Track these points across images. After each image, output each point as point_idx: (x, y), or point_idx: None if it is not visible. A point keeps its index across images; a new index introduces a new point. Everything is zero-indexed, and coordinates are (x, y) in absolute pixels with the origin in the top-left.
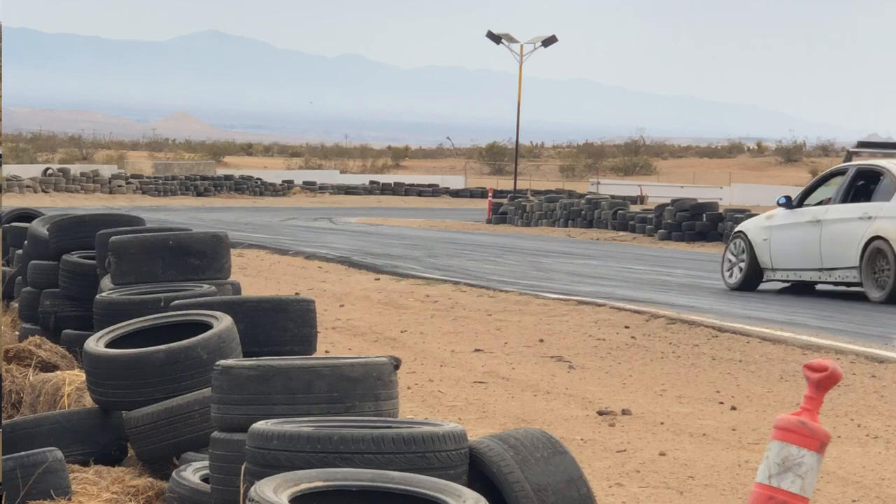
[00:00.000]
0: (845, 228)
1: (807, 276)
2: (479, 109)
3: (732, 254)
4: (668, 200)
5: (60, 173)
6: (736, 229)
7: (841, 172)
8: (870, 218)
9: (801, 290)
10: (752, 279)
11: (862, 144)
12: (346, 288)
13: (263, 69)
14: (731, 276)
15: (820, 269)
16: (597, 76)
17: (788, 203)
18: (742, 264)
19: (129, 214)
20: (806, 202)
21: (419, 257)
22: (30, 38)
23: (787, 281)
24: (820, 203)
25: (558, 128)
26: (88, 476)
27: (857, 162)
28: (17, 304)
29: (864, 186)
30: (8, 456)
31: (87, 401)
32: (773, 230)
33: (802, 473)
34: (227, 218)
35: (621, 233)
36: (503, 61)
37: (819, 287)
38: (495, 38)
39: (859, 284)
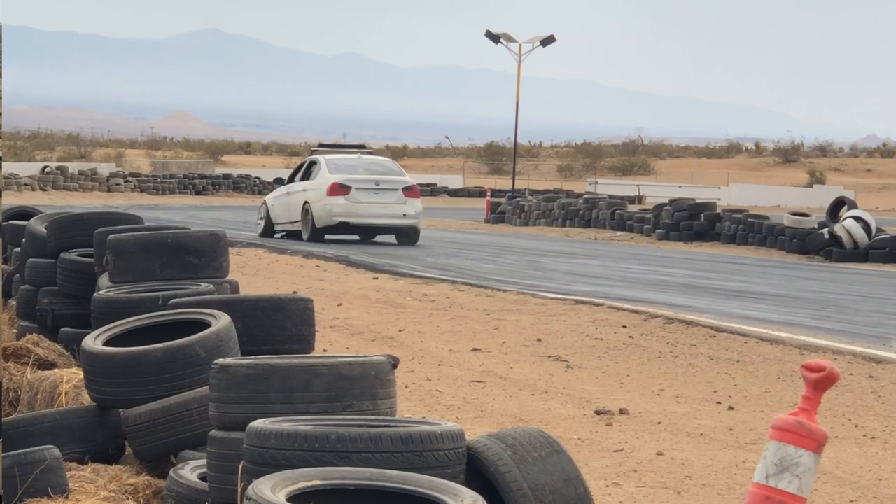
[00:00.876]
0: (298, 197)
1: (287, 227)
2: (478, 109)
3: (261, 213)
4: (667, 200)
5: (59, 171)
6: (263, 200)
7: (305, 163)
8: (306, 190)
9: (293, 235)
10: (268, 230)
11: (322, 146)
12: (344, 287)
13: (262, 68)
14: (259, 227)
15: (291, 222)
16: (596, 76)
17: (283, 182)
18: (263, 221)
19: (128, 213)
20: (294, 181)
21: (417, 256)
22: (28, 35)
23: (283, 231)
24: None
25: (557, 127)
26: (86, 474)
27: (312, 156)
28: (14, 302)
29: (311, 171)
30: (6, 454)
31: (85, 399)
32: (275, 199)
33: (800, 473)
34: (226, 216)
35: (619, 232)
36: (502, 61)
37: (304, 236)
38: (494, 37)
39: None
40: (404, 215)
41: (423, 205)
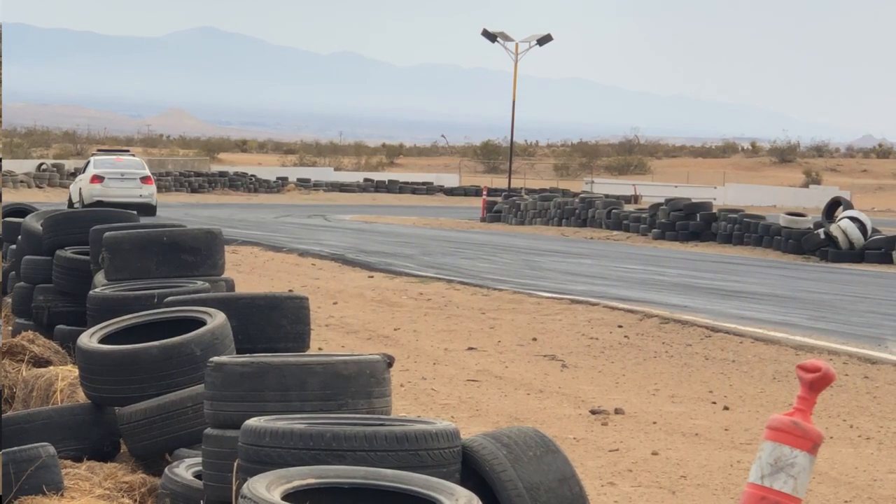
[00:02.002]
0: (78, 185)
1: (78, 206)
2: (474, 107)
3: (68, 197)
4: (663, 200)
5: (55, 169)
6: (69, 187)
7: (87, 162)
8: (82, 180)
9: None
10: (71, 207)
11: (99, 150)
12: (340, 285)
13: (258, 66)
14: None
15: (78, 202)
16: (593, 75)
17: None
18: (68, 202)
19: (123, 210)
20: (82, 175)
21: (413, 255)
22: (25, 33)
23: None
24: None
25: (554, 126)
26: (81, 472)
27: (90, 158)
28: (10, 299)
29: (86, 168)
30: (0, 451)
31: (80, 396)
32: (73, 185)
33: (795, 474)
34: (221, 214)
35: (615, 232)
36: (499, 59)
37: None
38: (491, 36)
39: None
40: (140, 195)
41: (156, 188)
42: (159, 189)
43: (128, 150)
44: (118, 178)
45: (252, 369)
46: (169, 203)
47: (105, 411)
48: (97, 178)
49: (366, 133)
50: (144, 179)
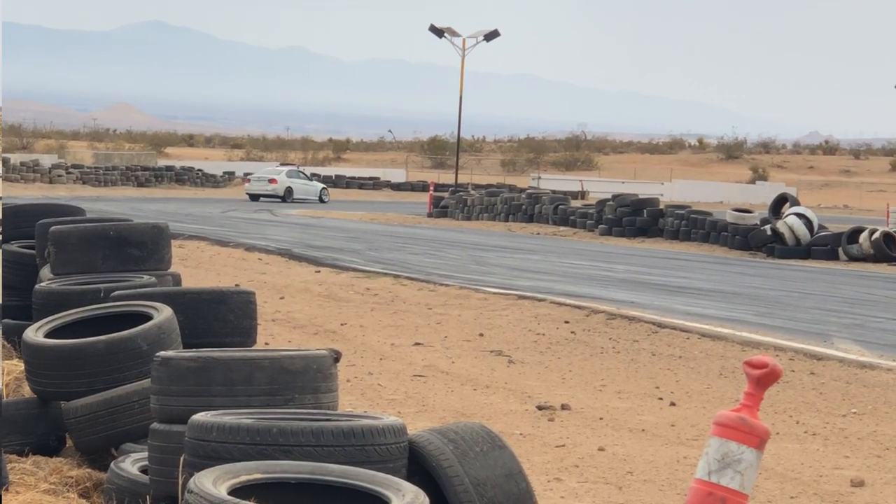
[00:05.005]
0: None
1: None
2: (422, 103)
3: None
4: (610, 196)
5: None
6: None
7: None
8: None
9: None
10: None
11: (281, 164)
12: (287, 280)
13: (206, 60)
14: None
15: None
16: (540, 71)
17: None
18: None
19: (69, 204)
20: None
21: (360, 250)
22: None
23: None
24: None
25: (501, 122)
26: (26, 466)
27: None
28: None
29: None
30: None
31: (26, 391)
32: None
33: (742, 470)
34: (168, 209)
35: (562, 227)
36: (446, 55)
37: None
38: (438, 31)
39: None
40: (265, 189)
41: (284, 185)
42: (105, 183)
43: (293, 165)
44: (256, 179)
45: (198, 364)
46: (115, 197)
47: (51, 406)
48: (247, 179)
49: (313, 128)
50: (270, 180)
